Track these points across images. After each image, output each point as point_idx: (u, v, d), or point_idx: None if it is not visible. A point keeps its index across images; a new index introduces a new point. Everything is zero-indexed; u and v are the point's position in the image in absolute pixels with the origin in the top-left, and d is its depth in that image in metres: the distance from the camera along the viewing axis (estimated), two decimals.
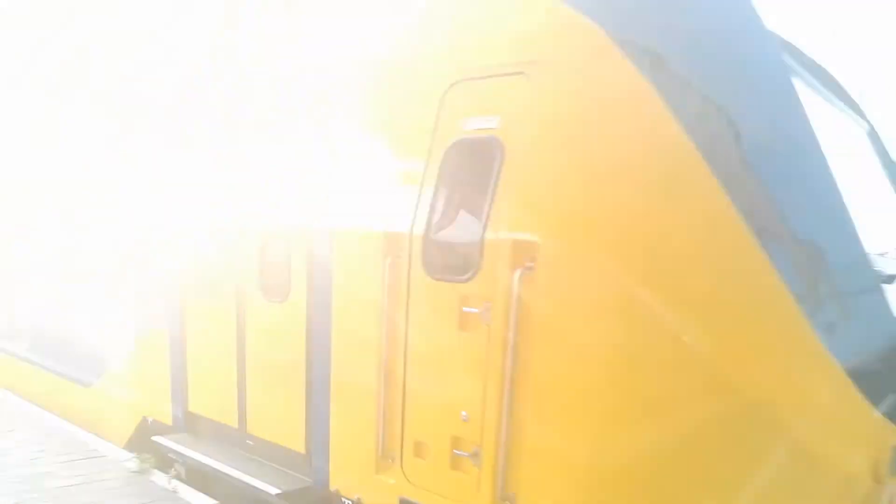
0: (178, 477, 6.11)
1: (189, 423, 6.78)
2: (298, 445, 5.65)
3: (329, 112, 5.37)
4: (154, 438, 6.73)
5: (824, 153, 3.70)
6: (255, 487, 5.61)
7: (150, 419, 7.20)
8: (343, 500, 5.32)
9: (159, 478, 6.24)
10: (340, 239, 5.24)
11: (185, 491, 6.06)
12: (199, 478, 6.39)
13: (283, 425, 5.78)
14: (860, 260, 3.69)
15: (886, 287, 3.79)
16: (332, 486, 5.40)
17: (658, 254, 3.86)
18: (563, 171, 4.07)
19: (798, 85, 4.41)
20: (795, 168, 3.72)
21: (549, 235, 4.07)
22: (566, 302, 4.07)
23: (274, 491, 5.49)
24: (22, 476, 6.08)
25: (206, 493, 6.35)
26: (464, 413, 4.50)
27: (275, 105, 5.78)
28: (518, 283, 4.14)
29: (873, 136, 5.93)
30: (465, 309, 4.46)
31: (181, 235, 6.69)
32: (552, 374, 4.13)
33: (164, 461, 6.44)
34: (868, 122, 5.93)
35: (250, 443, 6.16)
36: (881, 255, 4.77)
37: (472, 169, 4.42)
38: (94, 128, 8.05)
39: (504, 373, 4.23)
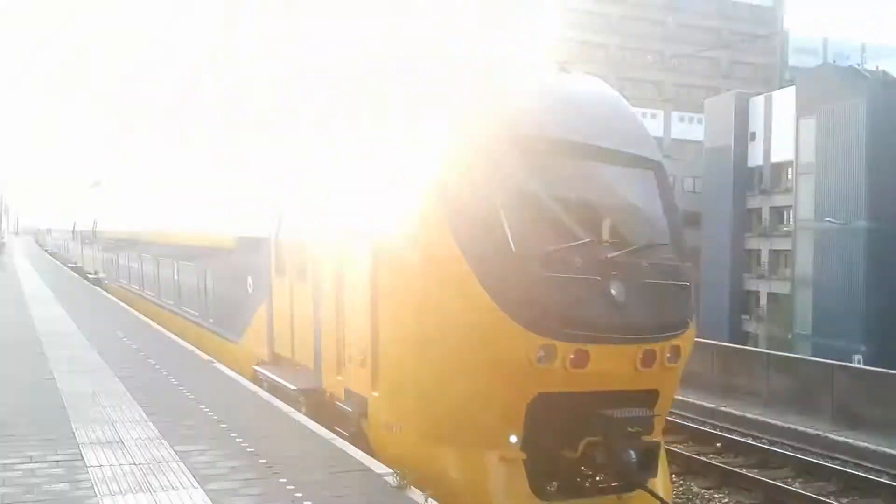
0: (432, 496, 6.42)
1: (276, 359, 11.40)
2: (311, 364, 9.98)
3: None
4: (254, 367, 11.45)
5: None
6: (287, 386, 10.01)
7: (260, 359, 11.96)
8: (327, 393, 9.53)
9: (416, 494, 6.47)
10: (329, 237, 9.51)
11: None
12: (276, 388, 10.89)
13: (306, 354, 10.14)
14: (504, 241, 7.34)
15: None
16: (323, 386, 9.65)
17: (432, 259, 7.73)
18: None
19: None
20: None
21: (388, 239, 8.09)
22: (393, 275, 8.02)
23: (293, 387, 9.87)
24: (298, 482, 6.55)
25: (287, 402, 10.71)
26: (364, 335, 8.53)
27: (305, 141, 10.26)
28: (373, 262, 8.15)
29: (660, 173, 8.93)
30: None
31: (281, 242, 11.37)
32: (385, 316, 8.09)
33: (421, 479, 6.78)
34: (654, 164, 8.94)
35: (298, 366, 10.58)
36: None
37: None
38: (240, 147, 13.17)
39: (370, 312, 8.24)
